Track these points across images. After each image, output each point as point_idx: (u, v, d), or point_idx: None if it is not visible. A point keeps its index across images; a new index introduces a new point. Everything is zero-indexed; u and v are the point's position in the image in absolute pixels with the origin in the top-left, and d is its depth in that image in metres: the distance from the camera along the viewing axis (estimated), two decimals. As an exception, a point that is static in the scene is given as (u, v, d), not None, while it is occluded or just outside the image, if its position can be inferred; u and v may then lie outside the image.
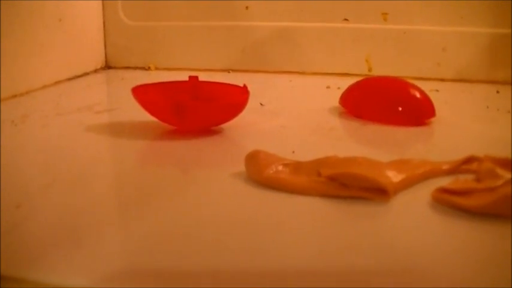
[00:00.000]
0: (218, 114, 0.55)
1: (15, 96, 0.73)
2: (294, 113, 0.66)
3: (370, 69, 0.85)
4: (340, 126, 0.61)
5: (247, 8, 0.88)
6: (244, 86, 0.56)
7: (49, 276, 0.31)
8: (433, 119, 0.60)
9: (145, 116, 0.56)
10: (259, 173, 0.42)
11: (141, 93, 0.57)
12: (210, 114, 0.54)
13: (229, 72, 0.87)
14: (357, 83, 0.64)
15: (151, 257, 0.33)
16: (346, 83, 0.66)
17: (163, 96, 0.59)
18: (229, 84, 0.59)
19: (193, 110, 0.54)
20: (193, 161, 0.50)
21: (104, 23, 0.94)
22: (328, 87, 0.77)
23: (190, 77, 0.60)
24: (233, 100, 0.56)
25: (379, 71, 0.84)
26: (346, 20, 0.86)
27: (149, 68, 0.93)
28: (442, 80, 0.83)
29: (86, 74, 0.89)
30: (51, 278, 0.31)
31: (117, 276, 0.31)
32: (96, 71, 0.92)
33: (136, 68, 0.93)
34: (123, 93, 0.74)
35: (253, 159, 0.43)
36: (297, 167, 0.43)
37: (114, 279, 0.31)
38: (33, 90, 0.76)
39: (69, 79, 0.84)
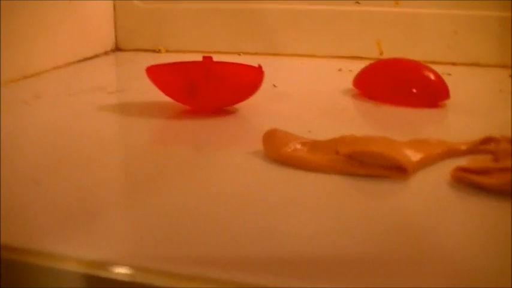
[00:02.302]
0: (232, 94, 0.55)
1: (25, 77, 0.73)
2: (307, 94, 0.66)
3: (381, 53, 0.85)
4: (354, 107, 0.61)
5: (258, -10, 0.88)
6: (259, 66, 0.56)
7: (69, 250, 0.31)
8: (446, 101, 0.59)
9: (157, 97, 0.56)
10: (277, 151, 0.42)
11: (155, 72, 0.57)
12: (225, 93, 0.54)
13: (239, 54, 0.87)
14: (371, 65, 0.64)
15: (165, 235, 0.33)
16: (358, 66, 0.66)
17: (178, 76, 0.59)
18: (243, 65, 0.59)
19: (208, 89, 0.54)
20: (208, 141, 0.50)
21: (114, 5, 0.93)
22: (340, 69, 0.77)
23: (204, 57, 0.60)
24: (248, 80, 0.56)
25: (390, 54, 0.84)
26: (357, 2, 0.85)
27: (159, 51, 0.92)
28: (453, 64, 0.82)
29: (96, 56, 0.89)
30: (71, 252, 0.31)
31: (131, 252, 0.31)
32: (106, 53, 0.92)
33: (146, 50, 0.93)
34: (134, 75, 0.74)
35: (271, 138, 0.43)
36: (314, 145, 0.43)
37: (130, 256, 0.31)
38: (44, 72, 0.76)
39: (79, 61, 0.84)
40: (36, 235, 0.33)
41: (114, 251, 0.31)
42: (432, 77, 0.59)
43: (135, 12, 0.93)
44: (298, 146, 0.43)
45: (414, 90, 0.59)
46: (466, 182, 0.39)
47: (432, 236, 0.33)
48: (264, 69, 0.56)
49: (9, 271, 0.31)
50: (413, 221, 0.35)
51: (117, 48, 0.94)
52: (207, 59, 0.60)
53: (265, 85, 0.56)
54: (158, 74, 0.57)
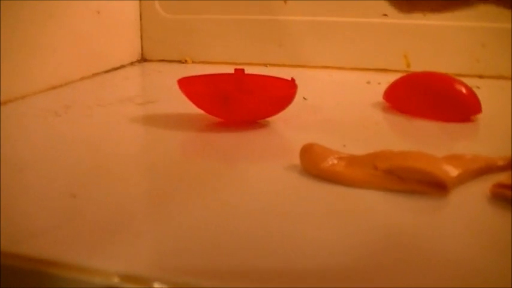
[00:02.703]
0: (265, 107, 0.55)
1: (54, 87, 0.73)
2: (338, 107, 0.66)
3: (408, 65, 0.85)
4: (386, 121, 0.61)
5: (285, 1, 0.88)
6: (292, 80, 0.56)
7: (107, 264, 0.31)
8: (478, 116, 0.59)
9: (188, 108, 0.56)
10: (315, 166, 0.42)
11: (187, 84, 0.57)
12: (257, 106, 0.54)
13: (266, 66, 0.87)
14: (402, 78, 0.64)
15: (195, 249, 0.33)
16: (386, 78, 0.66)
17: (210, 88, 0.59)
18: (275, 78, 0.59)
19: (241, 102, 0.54)
20: (241, 154, 0.50)
21: (140, 15, 0.94)
22: (368, 82, 0.77)
23: (236, 69, 0.60)
24: (281, 93, 0.56)
25: (417, 66, 0.83)
26: (385, 15, 0.85)
27: (185, 61, 0.92)
28: (481, 76, 0.82)
29: (123, 66, 0.89)
30: (110, 266, 0.31)
31: (168, 266, 0.31)
32: (132, 63, 0.92)
33: (172, 61, 0.93)
34: (162, 86, 0.75)
35: (309, 152, 0.43)
36: (352, 160, 0.43)
37: (165, 269, 0.31)
38: (72, 82, 0.76)
39: (106, 71, 0.84)
40: (69, 248, 0.33)
41: (149, 265, 0.31)
42: (464, 91, 0.59)
43: (161, 22, 0.93)
44: (336, 161, 0.43)
45: (446, 105, 0.59)
46: (505, 198, 0.38)
47: (470, 252, 0.33)
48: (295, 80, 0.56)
49: (41, 283, 0.31)
50: (453, 237, 0.34)
51: (143, 59, 0.95)
52: (239, 71, 0.60)
53: (296, 98, 0.56)
54: (190, 86, 0.57)
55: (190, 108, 0.56)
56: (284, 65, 0.88)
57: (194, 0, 0.91)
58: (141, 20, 0.94)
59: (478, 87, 0.72)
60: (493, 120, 0.59)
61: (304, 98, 0.65)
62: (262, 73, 0.61)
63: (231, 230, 0.35)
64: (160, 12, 0.93)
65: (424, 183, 0.39)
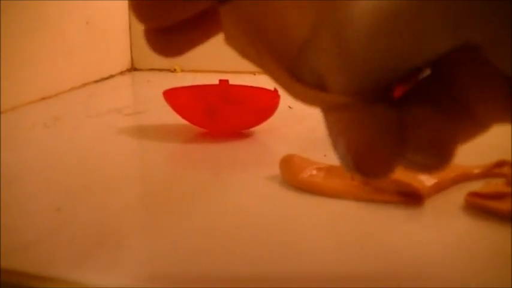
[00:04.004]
0: (249, 118, 0.56)
1: (44, 98, 0.74)
2: (322, 115, 0.66)
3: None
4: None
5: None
6: (275, 90, 0.56)
7: (91, 277, 0.32)
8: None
9: (175, 119, 0.57)
10: (294, 177, 0.43)
11: (173, 96, 0.58)
12: (242, 117, 0.55)
13: (254, 74, 0.88)
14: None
15: (187, 259, 0.34)
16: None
17: (195, 100, 0.59)
18: (259, 88, 0.60)
19: (225, 113, 0.55)
20: (226, 164, 0.51)
21: (129, 25, 0.94)
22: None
23: (220, 80, 0.61)
24: (264, 104, 0.57)
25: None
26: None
27: (175, 70, 0.93)
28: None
29: (112, 76, 0.90)
30: (94, 279, 0.32)
31: (155, 278, 0.32)
32: (122, 73, 0.93)
33: (162, 70, 0.94)
34: (151, 96, 0.75)
35: (288, 163, 0.44)
36: (330, 170, 0.44)
37: (153, 281, 0.32)
38: (62, 93, 0.77)
39: (96, 81, 0.85)
40: (51, 262, 0.34)
41: (133, 277, 0.32)
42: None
43: (150, 32, 0.94)
44: (315, 172, 0.43)
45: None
46: (479, 207, 0.39)
47: (445, 262, 0.34)
48: (279, 89, 0.57)
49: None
50: (428, 247, 0.35)
51: (133, 68, 0.96)
52: (224, 83, 0.61)
53: (281, 106, 0.57)
54: (176, 98, 0.58)
55: (176, 119, 0.57)
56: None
57: (183, 10, 0.92)
58: (130, 29, 0.95)
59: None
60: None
61: (289, 107, 0.66)
62: (251, 81, 0.62)
63: (214, 241, 0.36)
64: (150, 22, 0.93)
65: (400, 193, 0.40)
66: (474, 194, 0.40)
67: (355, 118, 0.20)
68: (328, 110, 0.20)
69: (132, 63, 0.96)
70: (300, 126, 0.62)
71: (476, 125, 0.21)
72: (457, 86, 0.21)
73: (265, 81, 0.60)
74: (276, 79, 0.21)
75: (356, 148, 0.20)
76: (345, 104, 0.20)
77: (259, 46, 0.21)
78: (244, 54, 0.22)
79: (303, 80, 0.20)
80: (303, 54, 0.20)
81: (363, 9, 0.18)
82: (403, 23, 0.17)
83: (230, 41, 0.22)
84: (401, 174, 0.41)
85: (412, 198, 0.40)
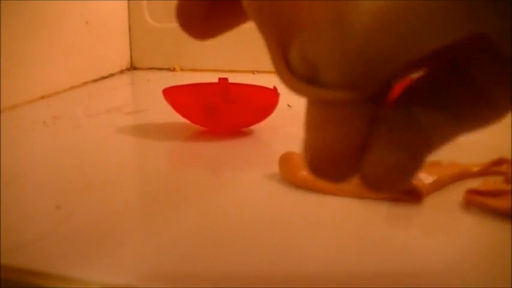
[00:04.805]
0: (249, 116, 0.56)
1: (43, 97, 0.74)
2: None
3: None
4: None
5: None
6: (275, 88, 0.57)
7: (91, 275, 0.32)
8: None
9: (174, 117, 0.57)
10: (293, 174, 0.43)
11: (172, 94, 0.58)
12: (241, 116, 0.55)
13: (254, 73, 0.88)
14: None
15: (186, 257, 0.34)
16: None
17: (194, 98, 0.60)
18: (259, 86, 0.60)
19: (225, 111, 0.55)
20: (225, 163, 0.51)
21: (129, 24, 0.95)
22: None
23: (220, 79, 0.61)
24: (264, 102, 0.57)
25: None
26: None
27: (174, 69, 0.93)
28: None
29: (112, 75, 0.90)
30: (93, 277, 0.32)
31: (154, 276, 0.32)
32: (121, 72, 0.93)
33: (161, 69, 0.94)
34: (150, 95, 0.75)
35: (287, 161, 0.44)
36: (329, 168, 0.44)
37: (152, 278, 0.32)
38: (61, 92, 0.77)
39: (95, 80, 0.85)
40: (49, 259, 0.34)
41: (133, 275, 0.32)
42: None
43: (150, 31, 0.94)
44: (314, 170, 0.43)
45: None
46: (478, 204, 0.39)
47: (444, 258, 0.34)
48: (278, 88, 0.57)
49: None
50: (426, 244, 0.35)
51: (133, 67, 0.96)
52: (223, 81, 0.61)
53: (280, 105, 0.57)
54: (175, 96, 0.58)
55: (176, 117, 0.57)
56: (271, 72, 0.88)
57: (182, 9, 0.92)
58: (130, 28, 0.95)
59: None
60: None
61: (288, 105, 0.66)
62: (250, 80, 0.62)
63: (213, 240, 0.36)
64: (149, 21, 0.94)
65: (399, 191, 0.40)
66: (473, 192, 0.40)
67: (330, 116, 0.20)
68: (314, 104, 0.20)
69: (132, 62, 0.96)
70: (299, 124, 0.60)
71: (494, 111, 0.21)
72: (476, 73, 0.21)
73: (264, 80, 0.61)
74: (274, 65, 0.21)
75: (315, 148, 0.20)
76: (330, 100, 0.19)
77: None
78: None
79: (294, 68, 0.20)
80: (299, 40, 0.19)
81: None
82: (412, 12, 0.17)
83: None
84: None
85: (410, 195, 0.40)
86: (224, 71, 0.87)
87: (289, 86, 0.20)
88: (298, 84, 0.20)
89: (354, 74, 0.18)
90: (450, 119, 0.21)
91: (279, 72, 0.21)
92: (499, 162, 0.45)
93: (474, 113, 0.21)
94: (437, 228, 0.38)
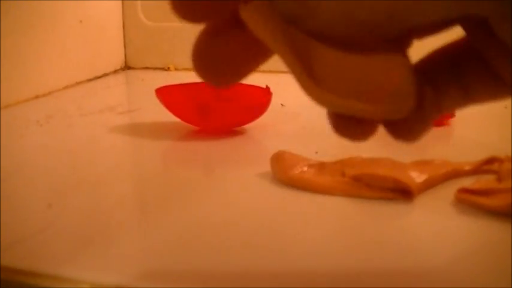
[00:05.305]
0: (241, 115, 0.56)
1: (37, 96, 0.74)
2: (314, 113, 0.66)
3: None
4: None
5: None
6: (267, 88, 0.57)
7: (83, 274, 0.32)
8: (452, 119, 0.60)
9: (167, 117, 0.57)
10: (284, 173, 0.43)
11: (165, 94, 0.58)
12: (234, 115, 0.55)
13: (247, 72, 0.88)
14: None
15: (178, 256, 0.34)
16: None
17: (187, 97, 0.60)
18: (251, 86, 0.60)
19: (217, 111, 0.55)
20: (217, 161, 0.51)
21: (123, 23, 0.95)
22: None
23: (213, 78, 0.61)
24: (256, 101, 0.57)
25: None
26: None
27: (168, 69, 0.93)
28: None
29: (106, 74, 0.90)
30: (85, 276, 0.32)
31: (146, 275, 0.32)
32: (115, 71, 0.93)
33: (155, 68, 0.94)
34: (144, 94, 0.75)
35: (279, 160, 0.44)
36: (321, 167, 0.44)
37: (144, 277, 0.32)
38: (56, 91, 0.77)
39: (89, 80, 0.85)
40: (40, 257, 0.34)
41: (124, 274, 0.32)
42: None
43: (144, 30, 0.94)
44: (305, 168, 0.43)
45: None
46: (469, 203, 0.39)
47: (435, 257, 0.34)
48: (271, 87, 0.57)
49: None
50: (418, 242, 0.35)
51: (127, 67, 0.96)
52: (216, 80, 0.61)
53: (273, 104, 0.57)
54: (168, 96, 0.58)
55: (169, 116, 0.57)
56: (264, 71, 0.88)
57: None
58: (124, 28, 0.95)
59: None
60: (466, 124, 0.60)
61: (281, 105, 0.66)
62: (244, 79, 0.62)
63: (206, 238, 0.36)
64: (143, 20, 0.94)
65: (390, 190, 0.40)
66: (464, 190, 0.40)
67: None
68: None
69: (126, 62, 0.96)
70: (291, 123, 0.62)
71: (502, 87, 0.23)
72: (486, 53, 0.23)
73: (257, 79, 0.61)
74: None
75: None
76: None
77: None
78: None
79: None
80: None
81: None
82: None
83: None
84: (392, 171, 0.41)
85: (402, 194, 0.40)
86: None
87: (314, 98, 0.22)
88: (322, 94, 0.21)
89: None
90: (461, 88, 0.24)
91: (304, 87, 0.21)
92: (491, 160, 0.45)
93: (483, 86, 0.24)
94: (429, 227, 0.38)
